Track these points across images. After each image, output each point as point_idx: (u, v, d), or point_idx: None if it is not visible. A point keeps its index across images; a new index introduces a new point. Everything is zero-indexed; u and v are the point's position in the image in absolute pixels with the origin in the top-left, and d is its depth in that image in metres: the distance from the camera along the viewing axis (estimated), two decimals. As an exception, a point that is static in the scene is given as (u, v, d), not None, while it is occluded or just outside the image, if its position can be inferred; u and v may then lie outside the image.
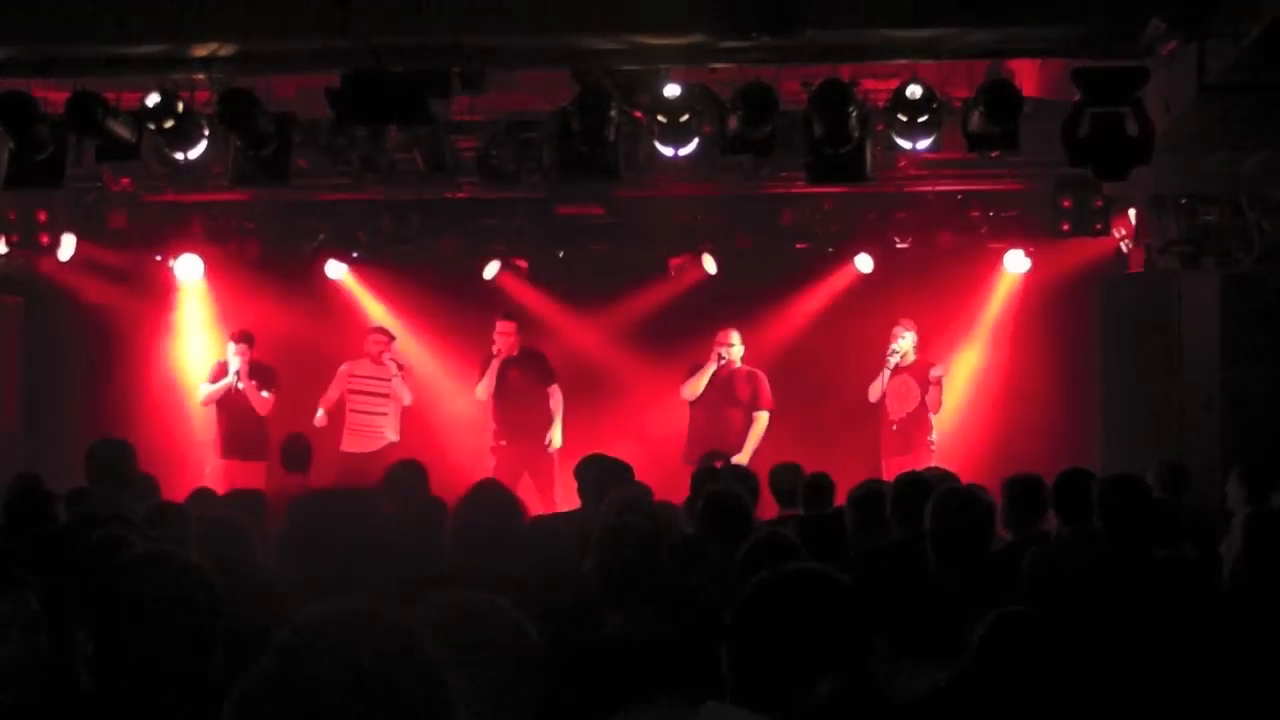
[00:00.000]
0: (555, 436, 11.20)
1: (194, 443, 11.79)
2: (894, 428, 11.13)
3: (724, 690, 2.63)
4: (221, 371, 11.25)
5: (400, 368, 11.50)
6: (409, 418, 11.69)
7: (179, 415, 12.16)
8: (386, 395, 11.39)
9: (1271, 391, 9.35)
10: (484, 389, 11.25)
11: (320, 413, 11.35)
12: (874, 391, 11.20)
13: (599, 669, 3.69)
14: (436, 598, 2.40)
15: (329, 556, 4.07)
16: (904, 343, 11.13)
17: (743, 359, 11.19)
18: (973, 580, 4.58)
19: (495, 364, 11.17)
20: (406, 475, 6.96)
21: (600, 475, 6.77)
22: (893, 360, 11.08)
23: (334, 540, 4.05)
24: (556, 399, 11.31)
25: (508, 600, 2.53)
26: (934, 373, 11.14)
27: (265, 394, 11.11)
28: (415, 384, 11.83)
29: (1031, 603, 4.29)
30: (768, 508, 7.97)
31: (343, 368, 11.52)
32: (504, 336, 11.21)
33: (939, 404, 11.19)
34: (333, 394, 11.43)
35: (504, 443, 11.21)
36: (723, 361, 10.99)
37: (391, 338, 11.58)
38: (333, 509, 4.20)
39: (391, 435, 11.40)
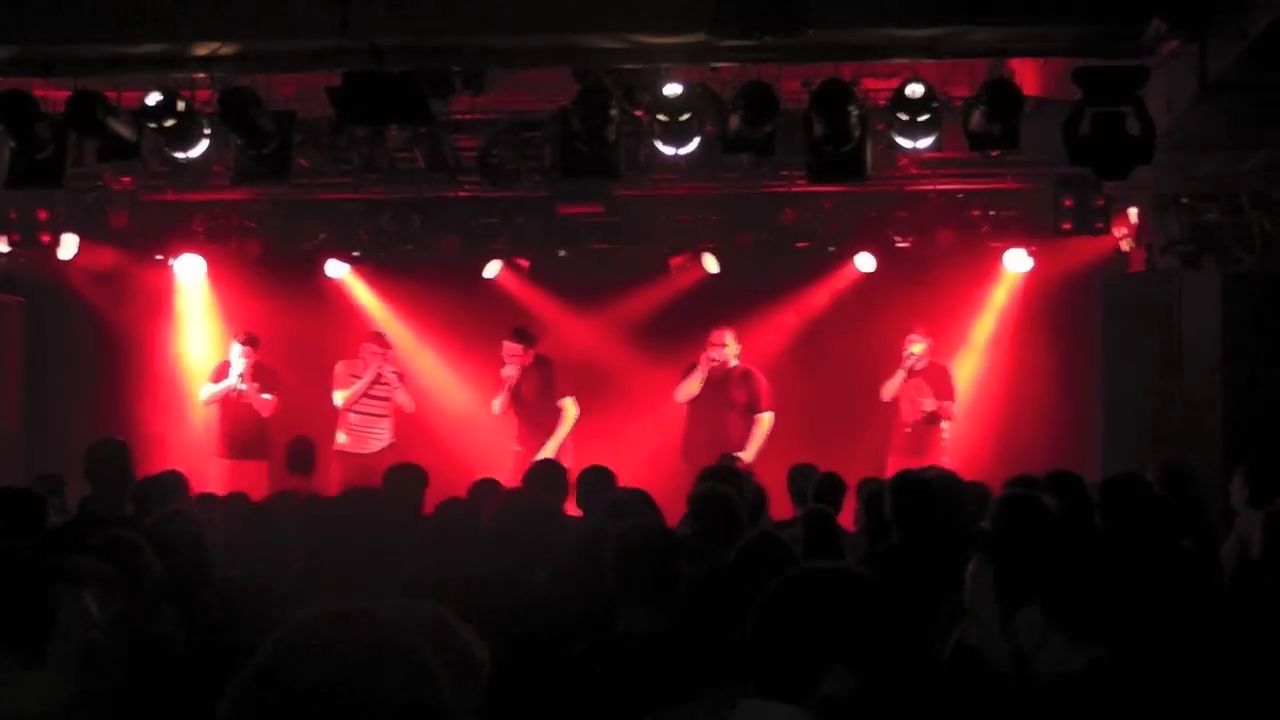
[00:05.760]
0: (547, 449, 10.76)
1: (194, 443, 11.77)
2: (908, 430, 11.05)
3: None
4: (224, 371, 11.20)
5: (399, 375, 11.29)
6: (408, 417, 11.66)
7: (180, 415, 12.16)
8: (387, 398, 11.24)
9: (1272, 391, 9.34)
10: (498, 404, 11.11)
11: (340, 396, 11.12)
12: (887, 391, 11.14)
13: (628, 665, 3.71)
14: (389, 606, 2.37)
15: (345, 558, 4.09)
16: (916, 349, 11.07)
17: (742, 358, 11.10)
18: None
19: (508, 382, 11.01)
20: (406, 478, 6.95)
21: (595, 483, 6.77)
22: (909, 363, 11.04)
23: (351, 541, 4.08)
24: (565, 414, 11.02)
25: (512, 598, 2.52)
26: (925, 406, 10.99)
27: (267, 396, 11.07)
28: (415, 385, 11.80)
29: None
30: (781, 508, 7.99)
31: (340, 366, 11.26)
32: (510, 359, 11.00)
33: (951, 414, 11.12)
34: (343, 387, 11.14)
35: (518, 448, 11.03)
36: (714, 364, 10.87)
37: (387, 346, 11.39)
38: (348, 511, 4.22)
39: (390, 438, 11.27)
